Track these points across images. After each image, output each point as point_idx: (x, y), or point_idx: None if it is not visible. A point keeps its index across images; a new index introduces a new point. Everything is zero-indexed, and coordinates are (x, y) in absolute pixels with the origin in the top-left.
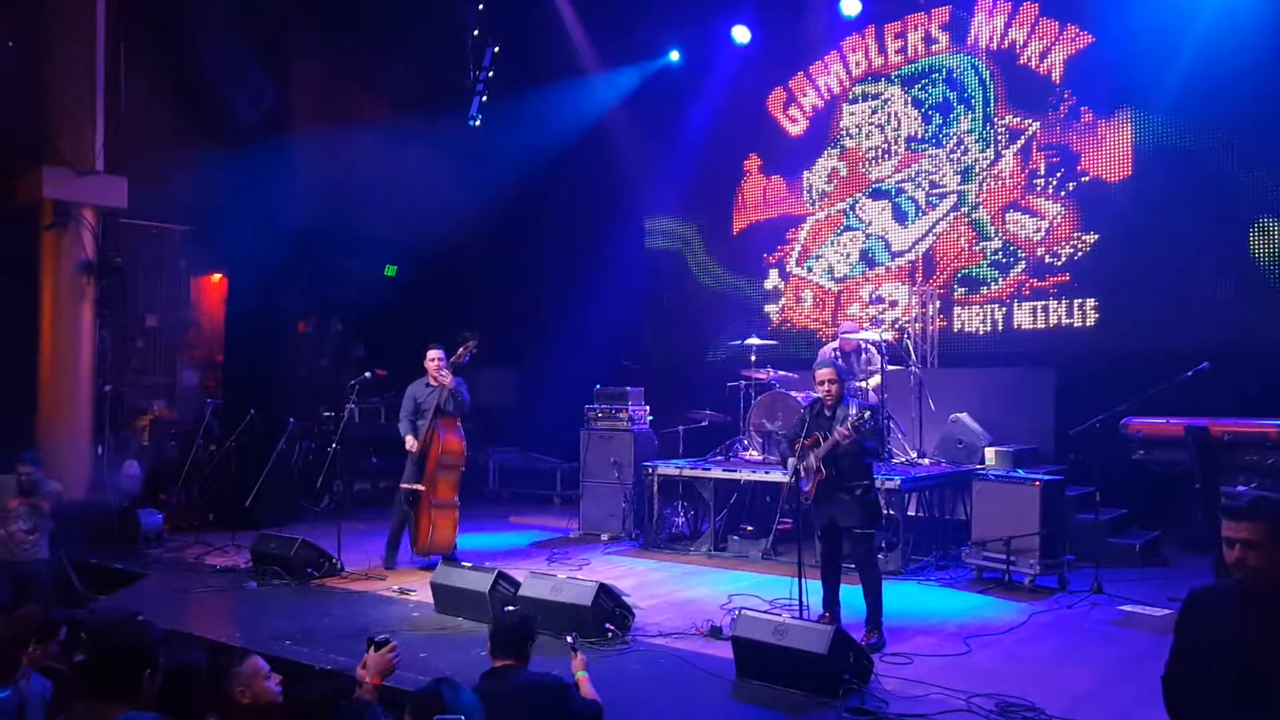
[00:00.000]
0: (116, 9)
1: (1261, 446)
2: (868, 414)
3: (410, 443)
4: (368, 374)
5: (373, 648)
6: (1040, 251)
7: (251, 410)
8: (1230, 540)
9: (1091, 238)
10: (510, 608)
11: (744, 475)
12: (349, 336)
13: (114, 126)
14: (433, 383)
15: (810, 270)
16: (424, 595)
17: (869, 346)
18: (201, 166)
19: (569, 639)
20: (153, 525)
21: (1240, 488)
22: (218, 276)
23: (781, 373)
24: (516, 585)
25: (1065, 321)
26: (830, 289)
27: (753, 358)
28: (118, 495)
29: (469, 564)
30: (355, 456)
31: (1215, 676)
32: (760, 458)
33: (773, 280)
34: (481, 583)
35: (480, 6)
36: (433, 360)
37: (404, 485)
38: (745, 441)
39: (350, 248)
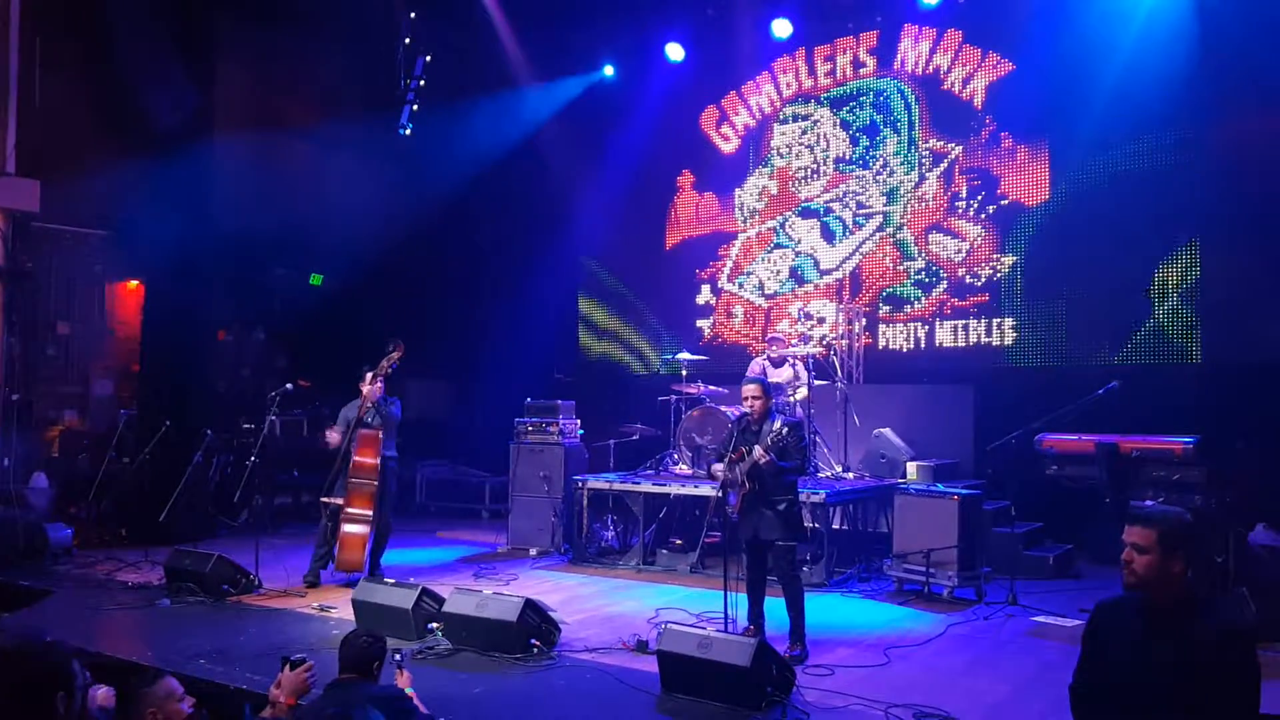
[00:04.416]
0: (32, 6)
1: (1168, 462)
2: (786, 430)
3: (332, 435)
4: (289, 385)
5: (288, 667)
6: (961, 272)
7: (166, 421)
8: (1124, 543)
9: (1010, 259)
10: (361, 633)
11: (674, 489)
12: (272, 346)
13: (28, 127)
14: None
15: (741, 286)
16: (345, 613)
17: (796, 361)
18: (120, 170)
19: (396, 656)
20: (61, 540)
21: (1148, 502)
22: (135, 283)
23: (712, 387)
24: (441, 601)
25: (984, 340)
26: (760, 305)
27: (684, 372)
28: (24, 508)
29: (392, 580)
30: (276, 470)
31: (1119, 685)
32: (690, 471)
33: (704, 295)
34: (405, 599)
35: (412, 15)
36: (366, 381)
37: (323, 499)
38: (675, 455)
39: (275, 255)
